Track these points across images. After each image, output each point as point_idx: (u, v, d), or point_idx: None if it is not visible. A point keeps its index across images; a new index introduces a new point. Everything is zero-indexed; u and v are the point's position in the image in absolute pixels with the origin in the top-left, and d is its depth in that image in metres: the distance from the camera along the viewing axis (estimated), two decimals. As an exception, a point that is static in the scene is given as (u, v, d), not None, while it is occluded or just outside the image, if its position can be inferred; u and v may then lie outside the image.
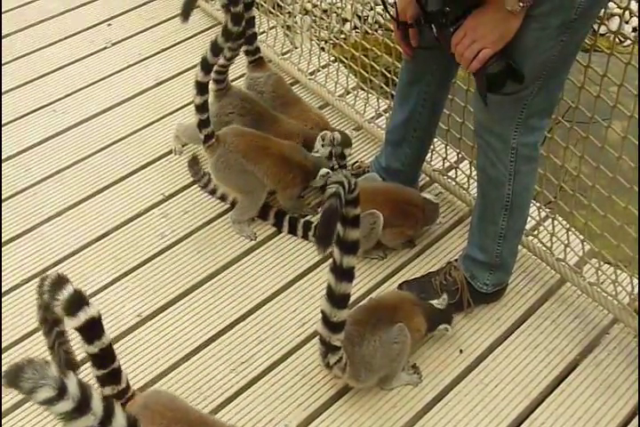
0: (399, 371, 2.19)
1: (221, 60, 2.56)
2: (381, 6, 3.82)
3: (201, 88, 2.42)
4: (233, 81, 2.94)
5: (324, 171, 2.60)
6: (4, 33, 3.49)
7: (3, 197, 2.75)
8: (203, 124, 2.49)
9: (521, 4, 1.74)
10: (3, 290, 2.45)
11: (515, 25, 1.80)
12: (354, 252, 1.83)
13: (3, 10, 3.60)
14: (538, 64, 1.87)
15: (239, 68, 3.10)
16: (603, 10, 2.05)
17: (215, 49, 2.38)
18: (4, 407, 2.14)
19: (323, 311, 1.93)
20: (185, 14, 2.53)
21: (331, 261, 1.86)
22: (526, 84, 1.89)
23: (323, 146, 2.69)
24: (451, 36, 1.88)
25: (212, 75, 2.52)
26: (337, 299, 1.89)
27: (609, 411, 2.19)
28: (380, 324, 2.10)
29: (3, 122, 3.06)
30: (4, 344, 2.30)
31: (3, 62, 3.34)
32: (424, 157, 2.67)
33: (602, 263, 2.49)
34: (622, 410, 2.19)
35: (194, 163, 2.81)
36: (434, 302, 2.27)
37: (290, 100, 2.92)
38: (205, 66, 2.40)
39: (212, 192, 2.74)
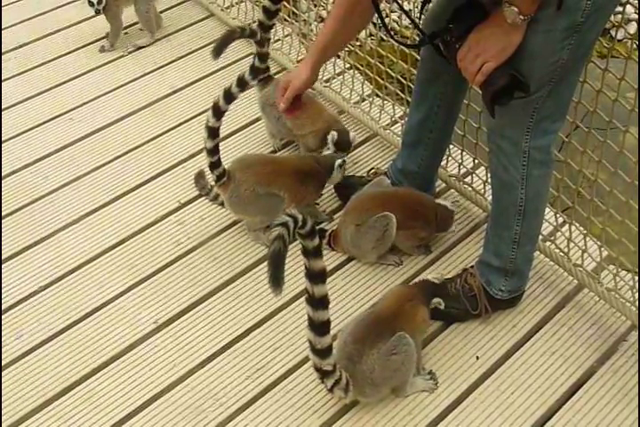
0: (409, 379, 2.17)
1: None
2: (397, 13, 3.84)
3: (212, 132, 2.43)
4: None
5: (338, 162, 2.62)
6: (22, 41, 3.54)
7: (21, 205, 2.77)
8: (213, 165, 2.50)
9: (521, 18, 1.75)
10: (20, 297, 2.47)
11: (516, 38, 1.80)
12: (322, 281, 1.88)
13: (21, 19, 3.67)
14: (546, 67, 1.87)
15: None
16: (620, 15, 2.06)
17: (228, 96, 2.35)
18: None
19: (309, 340, 1.96)
20: (218, 51, 2.48)
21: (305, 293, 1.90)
22: (535, 88, 1.89)
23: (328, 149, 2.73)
24: (456, 52, 1.89)
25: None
26: (317, 327, 1.92)
27: (626, 419, 2.17)
28: (379, 338, 2.08)
29: (21, 130, 3.09)
30: (22, 351, 2.32)
31: (21, 71, 3.38)
32: (440, 159, 2.67)
33: (619, 269, 2.47)
34: (641, 418, 2.18)
35: (200, 177, 2.80)
36: (429, 277, 2.31)
37: (303, 98, 2.88)
38: (217, 112, 2.38)
39: (223, 204, 2.73)
